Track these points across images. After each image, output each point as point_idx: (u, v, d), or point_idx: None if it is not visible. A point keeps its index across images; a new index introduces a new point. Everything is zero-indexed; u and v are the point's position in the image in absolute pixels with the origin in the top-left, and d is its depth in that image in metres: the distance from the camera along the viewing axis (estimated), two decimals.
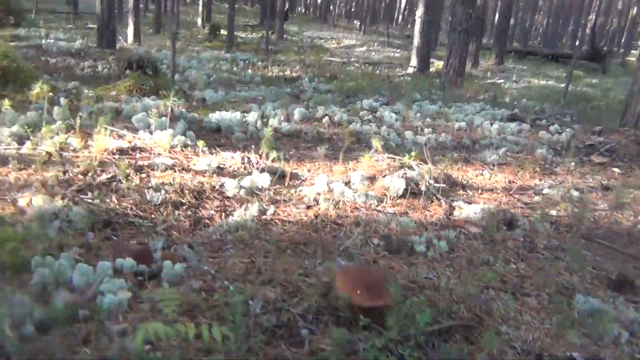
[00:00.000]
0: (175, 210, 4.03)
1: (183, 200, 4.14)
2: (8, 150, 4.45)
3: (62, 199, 3.76)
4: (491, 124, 8.26)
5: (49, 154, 4.51)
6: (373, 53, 23.50)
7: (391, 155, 6.00)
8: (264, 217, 4.18)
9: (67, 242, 3.30)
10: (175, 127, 5.58)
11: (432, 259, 3.73)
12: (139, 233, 3.63)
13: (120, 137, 5.20)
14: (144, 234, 3.64)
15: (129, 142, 5.12)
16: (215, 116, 6.65)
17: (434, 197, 4.99)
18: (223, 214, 4.13)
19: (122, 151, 4.89)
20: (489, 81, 17.09)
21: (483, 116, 8.85)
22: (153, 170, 4.58)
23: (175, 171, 4.63)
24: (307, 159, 6.00)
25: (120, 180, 4.20)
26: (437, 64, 18.67)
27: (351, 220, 4.27)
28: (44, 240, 3.21)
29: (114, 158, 4.67)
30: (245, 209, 4.19)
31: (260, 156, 5.34)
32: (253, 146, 6.01)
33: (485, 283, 3.39)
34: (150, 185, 4.26)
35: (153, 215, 3.91)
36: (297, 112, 7.49)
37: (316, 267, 3.33)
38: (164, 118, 5.51)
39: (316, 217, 4.22)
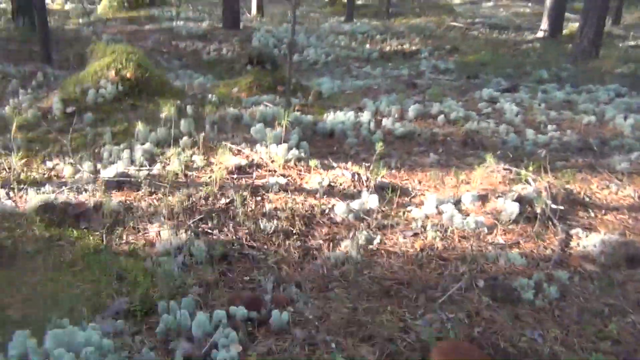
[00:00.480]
0: (286, 240, 4.26)
1: (294, 230, 4.35)
2: (141, 172, 4.91)
3: (186, 231, 4.12)
4: (625, 118, 7.59)
5: (176, 174, 4.91)
6: (501, 9, 22.17)
7: (507, 167, 5.79)
8: (370, 246, 4.29)
9: (189, 281, 3.64)
10: (290, 138, 5.78)
11: (540, 309, 3.64)
12: (252, 268, 3.90)
13: (239, 152, 5.50)
14: (257, 267, 3.90)
15: (247, 157, 5.41)
16: (329, 118, 6.78)
17: (550, 222, 4.79)
18: (331, 243, 4.29)
19: (240, 169, 5.19)
20: (632, 43, 15.46)
21: (617, 107, 8.14)
22: (267, 192, 4.83)
23: (288, 192, 4.85)
24: (419, 167, 5.97)
25: (236, 206, 4.48)
26: (570, 26, 17.26)
27: (458, 253, 4.25)
28: (170, 279, 3.57)
29: (232, 179, 4.98)
30: (352, 238, 4.33)
31: (371, 172, 5.40)
32: (364, 155, 6.10)
33: (594, 345, 3.27)
34: (264, 210, 4.52)
35: (265, 246, 4.17)
36: (412, 110, 7.41)
37: (417, 318, 3.39)
38: (279, 129, 5.73)
39: (422, 250, 4.25)
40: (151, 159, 5.21)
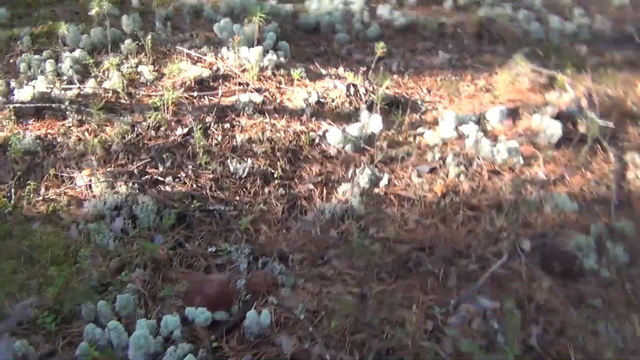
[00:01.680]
0: (265, 187, 3.20)
1: (274, 172, 3.27)
2: (69, 92, 3.68)
3: (127, 181, 3.02)
4: None
5: (116, 93, 3.71)
6: None
7: (536, 68, 4.63)
8: (376, 190, 3.25)
9: (130, 259, 2.60)
10: (265, 37, 4.51)
11: (607, 284, 2.71)
12: (219, 232, 2.86)
13: (199, 59, 4.25)
14: (226, 231, 2.87)
15: (210, 66, 4.17)
16: (313, 8, 5.44)
17: (598, 146, 3.76)
18: (324, 189, 3.24)
19: (201, 83, 3.97)
20: None
21: None
22: (238, 115, 3.67)
23: (265, 115, 3.70)
24: (426, 70, 4.80)
25: (197, 139, 3.34)
26: None
27: (490, 198, 3.23)
28: (102, 260, 2.54)
29: (191, 98, 3.78)
30: (352, 179, 3.28)
31: (370, 80, 4.22)
32: (358, 55, 4.88)
33: None
34: (234, 144, 3.40)
35: (237, 197, 3.11)
36: None
37: (449, 313, 2.44)
38: (251, 26, 4.42)
39: (443, 195, 3.23)
40: (83, 72, 3.96)
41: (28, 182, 3.01)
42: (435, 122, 3.92)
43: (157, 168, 3.18)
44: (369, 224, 3.01)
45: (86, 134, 3.38)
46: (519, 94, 4.38)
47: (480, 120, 3.92)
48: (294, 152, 3.47)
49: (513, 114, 4.03)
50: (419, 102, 4.24)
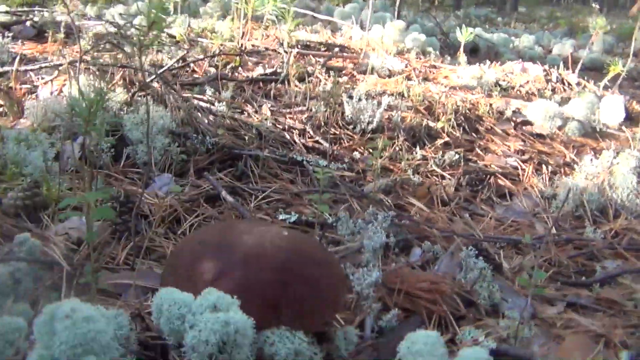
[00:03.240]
0: (413, 147, 1.49)
1: (438, 125, 1.59)
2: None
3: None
4: None
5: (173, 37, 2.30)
6: None
7: None
8: None
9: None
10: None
11: None
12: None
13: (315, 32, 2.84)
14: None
15: (327, 40, 2.73)
16: None
17: None
18: (539, 167, 1.48)
19: (307, 47, 2.50)
20: None
21: None
22: (363, 74, 2.11)
23: (410, 80, 2.10)
24: None
25: (287, 81, 1.78)
26: None
27: None
28: None
29: (290, 50, 2.28)
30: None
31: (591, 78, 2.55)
32: None
33: None
34: (352, 94, 1.78)
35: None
36: None
37: None
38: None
39: None
40: None
41: None
42: None
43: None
44: None
45: None
46: None
47: None
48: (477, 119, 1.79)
49: None
50: None
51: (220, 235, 0.73)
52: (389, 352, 0.61)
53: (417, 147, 1.56)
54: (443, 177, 1.43)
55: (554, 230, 1.21)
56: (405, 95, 1.88)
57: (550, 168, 1.57)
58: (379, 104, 1.68)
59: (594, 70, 3.61)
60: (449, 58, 2.87)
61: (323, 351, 0.66)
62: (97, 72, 1.51)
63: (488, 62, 2.67)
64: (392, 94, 1.88)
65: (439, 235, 1.06)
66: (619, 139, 1.92)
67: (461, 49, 2.64)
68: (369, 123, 1.62)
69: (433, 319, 0.78)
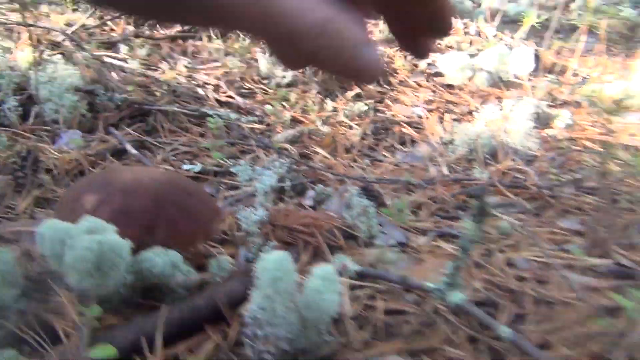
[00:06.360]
0: (325, 99, 1.56)
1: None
2: None
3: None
4: None
5: None
6: None
7: None
8: (550, 132, 1.58)
9: None
10: None
11: None
12: None
13: None
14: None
15: None
16: None
17: None
18: (443, 116, 1.58)
19: None
20: None
21: None
22: None
23: None
24: (567, 51, 3.20)
25: (206, 37, 1.81)
26: None
27: None
28: None
29: None
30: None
31: (507, 30, 2.66)
32: None
33: None
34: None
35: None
36: None
37: None
38: None
39: None
40: None
41: None
42: None
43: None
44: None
45: None
46: None
47: None
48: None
49: None
50: None
51: (103, 175, 0.80)
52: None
53: (329, 100, 1.64)
54: (350, 127, 1.51)
55: (445, 171, 1.31)
56: None
57: (453, 116, 1.67)
58: None
59: (519, 22, 3.74)
60: None
61: (199, 279, 0.74)
62: (3, 31, 1.51)
63: None
64: None
65: (333, 178, 1.15)
66: (524, 88, 2.04)
67: None
68: (283, 77, 1.68)
69: (309, 250, 0.87)
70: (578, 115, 1.87)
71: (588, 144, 1.61)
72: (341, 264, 0.81)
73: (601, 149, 1.57)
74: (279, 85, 1.68)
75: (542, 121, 1.72)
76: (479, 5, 4.27)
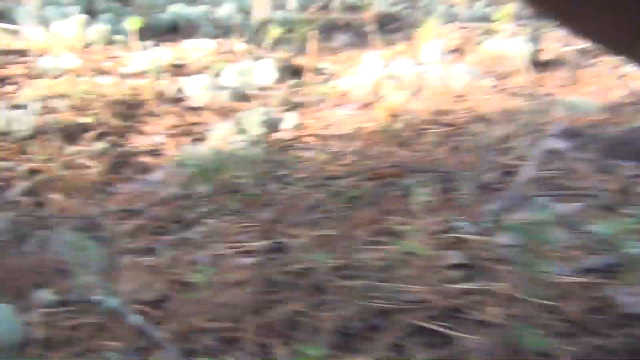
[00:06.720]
0: (67, 145, 1.68)
1: (88, 120, 1.78)
2: None
3: None
4: None
5: None
6: None
7: (464, 25, 3.57)
8: (278, 136, 1.85)
9: None
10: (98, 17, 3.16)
11: None
12: None
13: None
14: None
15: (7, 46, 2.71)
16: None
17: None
18: (182, 139, 1.78)
19: None
20: None
21: None
22: (35, 79, 2.20)
23: (81, 76, 2.25)
24: (325, 51, 3.60)
25: None
26: None
27: (464, 114, 1.93)
28: None
29: None
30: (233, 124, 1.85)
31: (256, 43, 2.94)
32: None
33: None
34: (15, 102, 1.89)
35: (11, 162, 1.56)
36: None
37: None
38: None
39: (393, 116, 1.88)
40: None
41: None
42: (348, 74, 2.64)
43: None
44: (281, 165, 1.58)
45: None
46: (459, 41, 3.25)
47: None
48: (130, 105, 2.02)
49: (457, 51, 2.86)
50: (324, 68, 2.96)
51: None
52: None
53: (71, 145, 1.75)
54: (89, 167, 1.63)
55: (173, 191, 1.49)
56: (70, 94, 2.04)
57: (194, 137, 1.87)
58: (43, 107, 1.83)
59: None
60: (141, 44, 3.03)
61: None
62: None
63: (171, 42, 2.91)
64: (56, 96, 2.02)
65: (56, 221, 1.28)
66: (267, 97, 2.30)
67: (134, 35, 2.75)
68: (22, 131, 1.75)
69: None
70: (309, 114, 2.17)
71: (309, 139, 1.91)
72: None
73: (316, 143, 1.88)
74: (20, 139, 1.75)
75: (272, 126, 1.98)
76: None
